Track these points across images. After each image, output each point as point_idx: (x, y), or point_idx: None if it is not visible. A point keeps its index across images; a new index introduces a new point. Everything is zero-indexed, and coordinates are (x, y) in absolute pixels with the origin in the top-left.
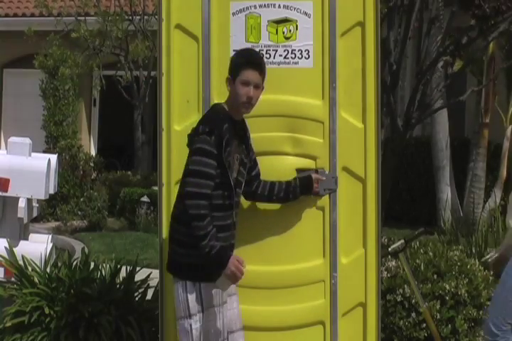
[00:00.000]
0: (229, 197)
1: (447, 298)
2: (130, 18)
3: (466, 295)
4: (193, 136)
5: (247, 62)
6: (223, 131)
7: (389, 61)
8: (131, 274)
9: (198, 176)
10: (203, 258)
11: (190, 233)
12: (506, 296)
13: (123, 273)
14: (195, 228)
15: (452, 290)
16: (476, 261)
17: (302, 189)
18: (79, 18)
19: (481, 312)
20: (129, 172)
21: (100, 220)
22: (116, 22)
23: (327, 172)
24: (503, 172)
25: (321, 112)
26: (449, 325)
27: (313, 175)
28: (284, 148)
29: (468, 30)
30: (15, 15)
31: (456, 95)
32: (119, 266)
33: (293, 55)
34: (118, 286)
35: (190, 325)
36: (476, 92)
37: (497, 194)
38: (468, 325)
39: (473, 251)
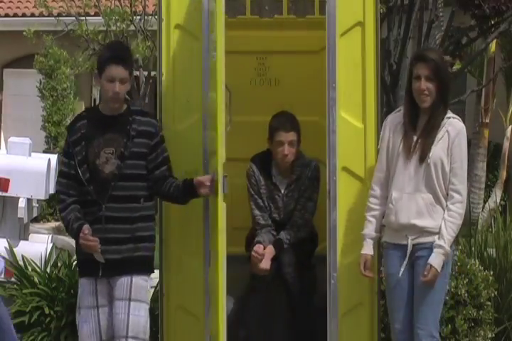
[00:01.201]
0: (88, 192)
1: (447, 297)
2: (130, 18)
3: (466, 295)
4: None
5: (111, 57)
6: (76, 127)
7: (389, 61)
8: None
9: (58, 175)
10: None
11: None
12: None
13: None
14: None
15: (452, 290)
16: (477, 261)
17: (185, 191)
18: (79, 18)
19: (481, 312)
20: None
21: None
22: (121, 18)
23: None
24: (503, 172)
25: None
26: (449, 325)
27: (196, 178)
28: None
29: (469, 30)
30: (15, 15)
31: (456, 95)
32: None
33: None
34: None
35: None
36: (476, 92)
37: (497, 194)
38: (468, 325)
39: (473, 251)
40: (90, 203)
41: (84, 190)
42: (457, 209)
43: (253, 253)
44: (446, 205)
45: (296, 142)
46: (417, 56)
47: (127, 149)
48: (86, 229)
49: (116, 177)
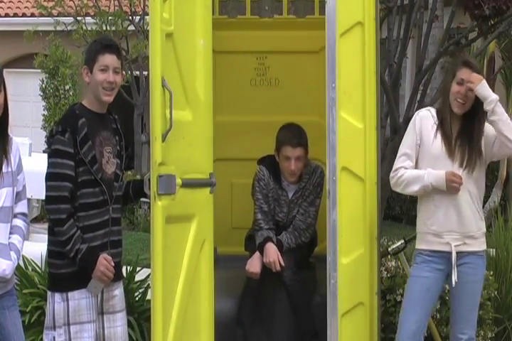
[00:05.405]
0: (101, 193)
1: (447, 298)
2: (130, 18)
3: None
4: (49, 138)
5: (103, 46)
6: (78, 126)
7: (389, 61)
8: (131, 274)
9: (55, 179)
10: (75, 266)
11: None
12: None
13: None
14: (57, 233)
15: None
16: None
17: (134, 190)
18: (78, 18)
19: (481, 312)
20: (130, 173)
21: None
22: (116, 23)
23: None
24: (503, 172)
25: None
26: (449, 325)
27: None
28: None
29: (469, 31)
30: (15, 15)
31: None
32: None
33: None
34: None
35: (54, 338)
36: None
37: (497, 194)
38: None
39: None
40: (98, 205)
41: (91, 192)
42: None
43: (269, 260)
44: None
45: (303, 157)
46: (466, 62)
47: (122, 148)
48: (108, 258)
49: (119, 177)
